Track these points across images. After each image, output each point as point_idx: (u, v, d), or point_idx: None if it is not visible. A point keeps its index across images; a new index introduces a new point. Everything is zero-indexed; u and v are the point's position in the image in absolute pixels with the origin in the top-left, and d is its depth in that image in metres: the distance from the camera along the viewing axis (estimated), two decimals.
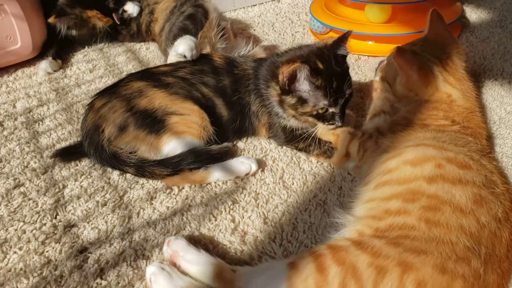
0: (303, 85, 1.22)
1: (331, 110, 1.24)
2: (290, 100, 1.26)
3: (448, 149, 1.03)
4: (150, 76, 1.38)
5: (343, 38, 1.25)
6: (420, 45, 1.33)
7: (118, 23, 1.95)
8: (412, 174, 0.98)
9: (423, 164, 0.99)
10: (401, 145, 1.11)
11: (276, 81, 1.26)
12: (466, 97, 1.21)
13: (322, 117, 1.26)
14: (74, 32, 1.92)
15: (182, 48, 1.44)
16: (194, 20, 1.65)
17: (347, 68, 1.29)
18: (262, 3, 2.45)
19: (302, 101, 1.24)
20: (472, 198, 0.92)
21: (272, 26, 2.21)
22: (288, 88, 1.24)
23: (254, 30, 2.18)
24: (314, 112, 1.24)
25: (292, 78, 1.21)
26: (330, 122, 1.26)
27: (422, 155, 1.01)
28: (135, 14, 1.96)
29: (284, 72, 1.20)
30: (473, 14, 2.20)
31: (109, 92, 1.35)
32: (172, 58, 1.49)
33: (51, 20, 1.82)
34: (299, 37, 2.08)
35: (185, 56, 1.44)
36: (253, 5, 2.43)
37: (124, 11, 1.95)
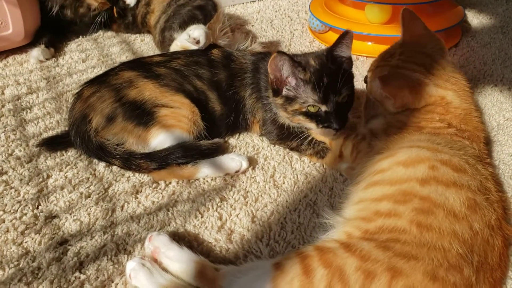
0: (289, 79, 1.18)
1: (323, 108, 1.17)
2: (279, 101, 1.21)
3: (443, 151, 0.99)
4: (141, 66, 1.34)
5: (341, 37, 1.20)
6: (399, 54, 1.27)
7: (116, 15, 1.91)
8: (404, 175, 0.95)
9: (416, 165, 0.96)
10: (394, 146, 1.08)
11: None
12: (461, 97, 1.17)
13: (315, 117, 1.19)
14: (68, 13, 1.88)
15: (198, 32, 1.41)
16: (204, 11, 1.63)
17: (347, 69, 1.22)
18: (262, 0, 2.42)
19: (290, 99, 1.19)
20: (466, 203, 0.89)
21: (270, 23, 2.17)
22: (277, 88, 1.21)
23: (252, 26, 2.14)
24: (304, 110, 1.18)
25: (277, 71, 1.17)
26: (325, 125, 1.18)
27: (416, 156, 0.98)
28: (132, 4, 1.93)
29: (270, 71, 1.18)
30: (475, 19, 2.17)
31: (98, 81, 1.31)
32: (182, 42, 1.46)
33: None
34: (297, 35, 2.05)
35: (197, 42, 1.41)
36: (253, 1, 2.40)
37: (122, 1, 1.91)
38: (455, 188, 0.91)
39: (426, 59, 1.24)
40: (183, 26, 1.50)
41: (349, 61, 1.24)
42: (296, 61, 1.16)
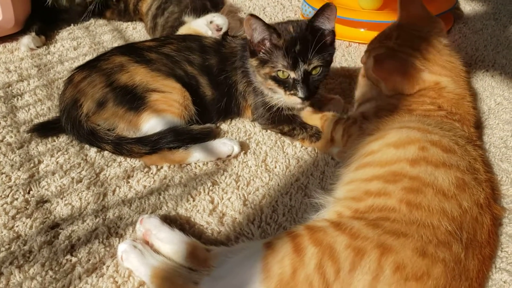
0: (265, 42, 1.19)
1: (292, 75, 1.18)
2: (254, 62, 1.23)
3: (433, 132, 1.00)
4: (133, 51, 1.34)
5: (322, 9, 1.18)
6: (396, 38, 1.26)
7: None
8: (394, 156, 0.95)
9: (406, 146, 0.96)
10: (385, 128, 1.08)
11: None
12: (456, 83, 1.17)
13: (283, 83, 1.20)
14: (64, 2, 1.87)
15: (222, 20, 1.46)
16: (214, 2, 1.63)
17: (323, 40, 1.21)
18: None
19: (263, 62, 1.20)
20: (455, 182, 0.89)
21: (263, 10, 2.17)
22: (254, 50, 1.22)
23: (245, 13, 2.13)
24: (273, 74, 1.19)
25: (250, 32, 1.18)
26: (292, 92, 1.20)
27: (406, 137, 0.98)
28: None
29: (245, 31, 1.19)
30: (467, 6, 2.18)
31: (89, 66, 1.31)
32: (199, 27, 1.50)
33: None
34: None
35: (219, 30, 1.47)
36: None
37: None
38: (444, 168, 0.91)
39: (422, 43, 1.23)
40: (195, 13, 1.50)
41: (331, 34, 1.24)
42: (269, 25, 1.17)
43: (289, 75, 1.19)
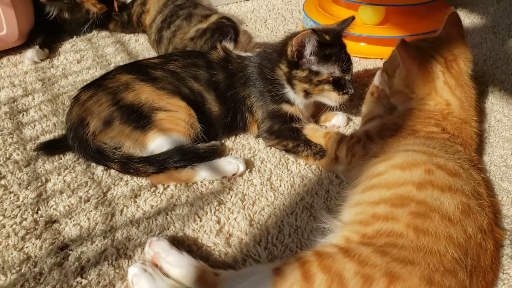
0: (314, 54, 1.26)
1: (345, 77, 1.30)
2: (301, 73, 1.29)
3: (439, 155, 1.02)
4: (138, 69, 1.35)
5: (349, 22, 1.34)
6: (429, 42, 1.32)
7: (117, 10, 1.92)
8: (401, 178, 0.97)
9: (412, 168, 0.98)
10: (390, 150, 1.10)
11: (285, 58, 1.30)
12: (464, 108, 1.20)
13: (338, 85, 1.29)
14: (66, 15, 1.88)
15: None
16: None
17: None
18: None
19: (315, 71, 1.28)
20: (461, 208, 0.91)
21: (264, 22, 2.19)
22: (298, 61, 1.28)
23: (247, 26, 2.15)
24: (331, 78, 1.28)
25: (301, 47, 1.25)
26: (345, 91, 1.30)
27: (412, 159, 1.00)
28: (129, 0, 1.93)
29: (293, 43, 1.25)
30: (467, 19, 2.20)
31: (95, 85, 1.32)
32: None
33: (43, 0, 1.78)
34: None
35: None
36: (246, 0, 2.40)
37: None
38: (450, 192, 0.93)
39: (450, 56, 1.28)
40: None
41: None
42: (321, 41, 1.25)
43: (342, 77, 1.29)
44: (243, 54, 1.45)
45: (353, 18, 1.35)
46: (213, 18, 1.64)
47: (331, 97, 1.32)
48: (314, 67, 1.27)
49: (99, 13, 1.89)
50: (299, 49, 1.26)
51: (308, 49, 1.25)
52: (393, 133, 1.19)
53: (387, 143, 1.15)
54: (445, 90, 1.23)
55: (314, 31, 1.21)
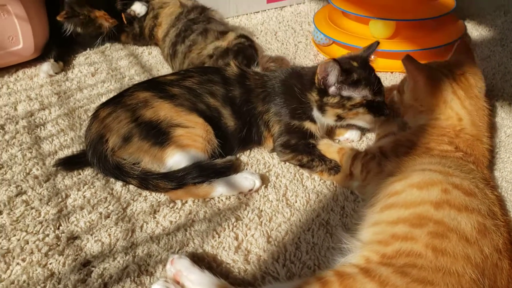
0: (341, 81, 1.29)
1: (377, 99, 1.33)
2: (333, 99, 1.32)
3: (454, 174, 1.04)
4: (155, 86, 1.38)
5: (375, 46, 1.40)
6: (438, 63, 1.35)
7: (126, 22, 1.95)
8: (418, 197, 0.99)
9: (429, 188, 1.00)
10: (406, 169, 1.12)
11: (315, 87, 1.34)
12: (475, 123, 1.23)
13: (372, 107, 1.32)
14: (79, 29, 1.92)
15: None
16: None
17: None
18: (265, 10, 2.45)
19: (347, 97, 1.31)
20: (477, 227, 0.93)
21: (275, 35, 2.21)
22: (325, 88, 1.31)
23: (257, 38, 2.18)
24: (364, 102, 1.31)
25: (326, 75, 1.29)
26: (380, 113, 1.34)
27: (429, 179, 1.02)
28: (142, 13, 1.96)
29: (318, 72, 1.29)
30: (475, 31, 2.22)
31: (114, 102, 1.35)
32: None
33: (60, 18, 1.81)
34: (302, 48, 2.09)
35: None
36: (256, 12, 2.43)
37: (132, 10, 1.94)
38: (466, 212, 0.95)
39: (458, 71, 1.31)
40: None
41: None
42: (344, 68, 1.28)
43: (374, 99, 1.32)
44: (259, 70, 1.48)
45: (377, 43, 1.41)
46: (231, 36, 1.66)
47: (366, 120, 1.36)
48: (345, 93, 1.31)
49: (111, 27, 1.92)
50: (325, 77, 1.30)
51: (333, 77, 1.29)
52: (408, 151, 1.22)
53: (402, 161, 1.17)
54: (454, 102, 1.26)
55: (335, 60, 1.25)
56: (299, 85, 1.37)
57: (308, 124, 1.38)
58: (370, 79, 1.32)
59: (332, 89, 1.31)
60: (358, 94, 1.31)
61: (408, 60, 1.28)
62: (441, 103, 1.25)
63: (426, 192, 0.99)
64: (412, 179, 1.04)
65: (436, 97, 1.26)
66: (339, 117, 1.35)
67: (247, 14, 2.41)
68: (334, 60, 1.25)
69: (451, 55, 1.39)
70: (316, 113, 1.37)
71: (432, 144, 1.22)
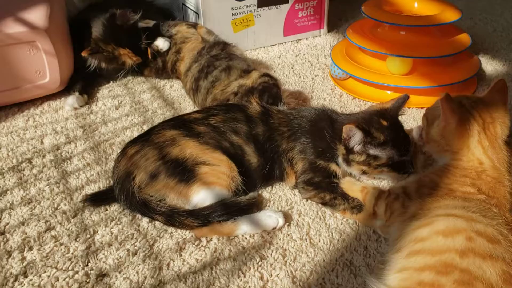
0: (367, 142, 1.32)
1: (403, 158, 1.36)
2: (359, 157, 1.35)
3: (478, 220, 1.06)
4: (182, 124, 1.41)
5: (403, 102, 1.42)
6: (472, 101, 1.37)
7: (150, 57, 2.00)
8: (444, 245, 1.01)
9: (454, 235, 1.02)
10: (429, 212, 1.14)
11: (340, 140, 1.37)
12: (496, 168, 1.24)
13: (397, 166, 1.36)
14: (103, 65, 1.98)
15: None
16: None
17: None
18: (282, 43, 2.51)
19: (373, 156, 1.34)
20: (502, 276, 0.94)
21: (292, 68, 2.25)
22: (352, 149, 1.34)
23: (275, 71, 2.22)
24: (390, 162, 1.35)
25: (349, 138, 1.33)
26: (404, 171, 1.38)
27: (453, 226, 1.04)
28: (165, 48, 2.02)
29: (344, 135, 1.33)
30: (489, 66, 2.25)
31: (141, 140, 1.38)
32: None
33: (84, 54, 1.87)
34: (319, 81, 2.13)
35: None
36: (273, 45, 2.49)
37: (155, 45, 2.00)
38: (491, 260, 0.96)
39: (489, 118, 1.32)
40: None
41: None
42: (369, 132, 1.32)
43: (401, 159, 1.36)
44: (282, 108, 1.52)
45: (407, 97, 1.43)
46: (254, 75, 1.70)
47: (390, 176, 1.40)
48: (372, 152, 1.34)
49: (134, 64, 1.98)
50: (348, 139, 1.34)
51: (356, 140, 1.32)
52: (431, 191, 1.24)
53: (425, 203, 1.19)
54: (477, 149, 1.28)
55: (357, 126, 1.29)
56: (330, 131, 1.40)
57: (334, 167, 1.41)
58: (398, 140, 1.35)
59: (357, 148, 1.34)
60: (384, 155, 1.34)
61: (446, 100, 1.31)
62: (465, 147, 1.27)
63: (451, 240, 1.00)
64: (438, 225, 1.06)
65: (462, 141, 1.28)
66: (364, 172, 1.38)
67: (264, 47, 2.46)
68: (357, 126, 1.29)
69: (487, 92, 1.41)
70: (340, 161, 1.40)
71: (454, 185, 1.24)
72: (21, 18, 1.72)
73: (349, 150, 1.36)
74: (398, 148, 1.34)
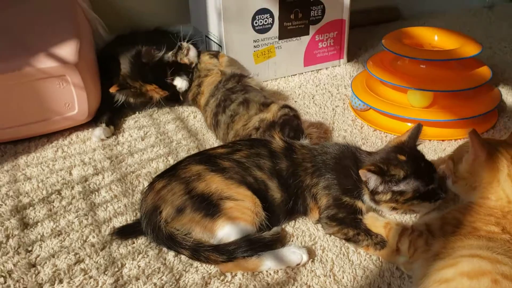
0: (388, 181, 1.35)
1: (430, 187, 1.37)
2: (385, 196, 1.37)
3: (503, 262, 1.06)
4: (207, 159, 1.45)
5: (418, 131, 1.45)
6: (497, 141, 1.40)
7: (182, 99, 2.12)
8: (469, 287, 1.02)
9: (479, 278, 1.02)
10: (454, 251, 1.15)
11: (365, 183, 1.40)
12: None
13: (425, 196, 1.37)
14: (130, 100, 2.06)
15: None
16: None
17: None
18: (302, 73, 2.55)
19: (399, 192, 1.36)
20: None
21: (312, 98, 2.29)
22: (375, 190, 1.37)
23: (295, 101, 2.26)
24: (417, 194, 1.36)
25: (366, 181, 1.36)
26: (436, 198, 1.39)
27: (478, 268, 1.05)
28: (183, 89, 2.09)
29: (363, 178, 1.36)
30: (509, 97, 2.26)
31: (168, 175, 1.42)
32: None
33: (113, 90, 1.95)
34: (339, 112, 2.15)
35: None
36: (293, 75, 2.53)
37: (174, 85, 2.07)
38: None
39: None
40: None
41: None
42: (387, 171, 1.35)
43: (428, 188, 1.37)
44: (305, 143, 1.55)
45: (420, 126, 1.47)
46: (274, 108, 1.72)
47: (423, 207, 1.42)
48: (395, 188, 1.36)
49: (161, 98, 2.05)
50: (366, 182, 1.37)
51: (372, 183, 1.36)
52: (454, 229, 1.25)
53: (449, 241, 1.20)
54: (507, 183, 1.28)
55: (369, 170, 1.32)
56: (356, 170, 1.42)
57: (359, 204, 1.43)
58: (419, 170, 1.36)
59: (381, 188, 1.36)
60: (409, 188, 1.35)
61: (474, 134, 1.33)
62: (495, 181, 1.29)
63: (476, 282, 1.01)
64: (462, 266, 1.06)
65: (491, 175, 1.30)
66: (394, 208, 1.40)
67: (285, 77, 2.51)
68: (368, 169, 1.33)
69: (509, 136, 1.43)
70: (366, 199, 1.42)
71: (478, 223, 1.24)
72: (53, 54, 1.79)
73: (373, 191, 1.38)
74: (421, 178, 1.36)
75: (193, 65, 2.13)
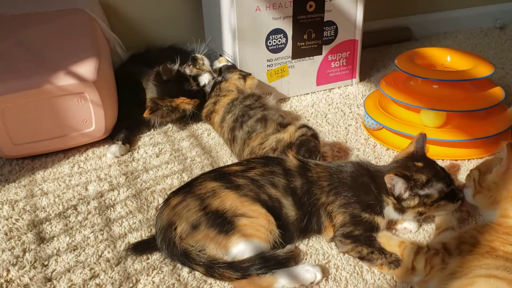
0: (413, 186, 1.39)
1: (451, 187, 1.43)
2: (412, 202, 1.40)
3: None
4: (222, 176, 1.46)
5: (424, 141, 1.53)
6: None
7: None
8: None
9: None
10: (470, 271, 1.14)
11: (387, 192, 1.42)
12: None
13: (450, 197, 1.42)
14: (168, 119, 2.15)
15: None
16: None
17: None
18: (315, 92, 2.57)
19: (425, 195, 1.39)
20: None
21: (325, 117, 2.30)
22: (400, 196, 1.40)
23: (308, 120, 2.27)
24: (443, 195, 1.40)
25: (393, 187, 1.39)
26: (457, 199, 1.44)
27: None
28: (206, 82, 2.18)
29: (388, 185, 1.39)
30: None
31: (184, 191, 1.44)
32: None
33: (146, 115, 2.02)
34: (352, 131, 2.16)
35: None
36: (306, 94, 2.55)
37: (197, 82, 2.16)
38: None
39: None
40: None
41: None
42: (409, 177, 1.39)
43: (450, 188, 1.43)
44: (320, 162, 1.56)
45: (424, 135, 1.54)
46: (292, 128, 1.75)
47: (447, 209, 1.46)
48: (422, 192, 1.39)
49: (193, 107, 2.10)
50: (392, 188, 1.40)
51: (399, 187, 1.38)
52: (471, 248, 1.24)
53: (465, 260, 1.20)
54: None
55: (396, 174, 1.36)
56: (374, 184, 1.44)
57: (379, 219, 1.44)
58: (439, 173, 1.42)
59: (406, 194, 1.39)
60: (435, 190, 1.39)
61: (511, 147, 1.35)
62: None
63: None
64: (479, 286, 1.06)
65: None
66: (420, 214, 1.43)
67: (297, 96, 2.53)
68: (395, 173, 1.36)
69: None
70: (389, 211, 1.44)
71: (496, 243, 1.24)
72: (72, 71, 1.83)
73: (399, 199, 1.40)
74: (443, 179, 1.41)
75: (218, 79, 2.20)
